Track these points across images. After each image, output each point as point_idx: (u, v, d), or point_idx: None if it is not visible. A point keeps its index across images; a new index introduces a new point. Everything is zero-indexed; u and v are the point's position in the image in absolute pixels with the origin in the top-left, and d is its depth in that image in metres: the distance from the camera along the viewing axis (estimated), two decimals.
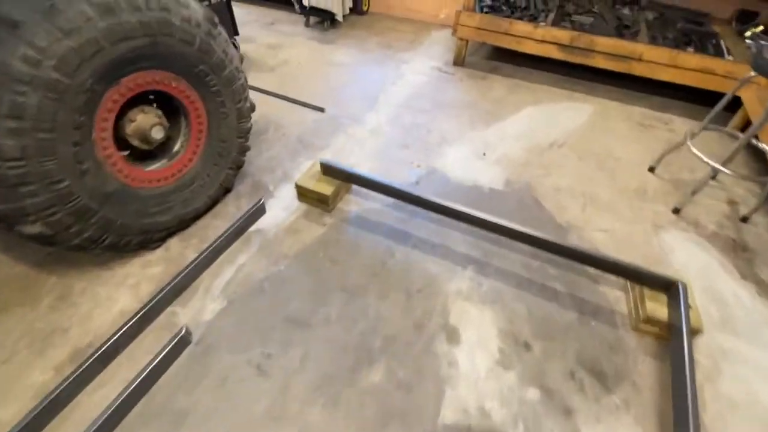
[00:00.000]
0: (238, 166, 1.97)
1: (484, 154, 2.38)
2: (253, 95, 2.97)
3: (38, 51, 1.09)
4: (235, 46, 2.74)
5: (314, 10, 3.69)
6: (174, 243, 1.78)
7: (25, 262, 1.68)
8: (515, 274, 1.72)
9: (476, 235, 1.86)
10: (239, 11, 4.24)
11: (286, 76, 3.08)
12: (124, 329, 1.41)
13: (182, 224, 1.79)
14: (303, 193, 1.96)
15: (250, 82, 2.91)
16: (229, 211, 1.94)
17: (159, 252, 1.75)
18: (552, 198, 2.12)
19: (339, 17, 3.71)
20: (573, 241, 1.89)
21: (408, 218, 1.94)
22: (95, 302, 1.56)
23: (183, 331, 1.40)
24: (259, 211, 1.90)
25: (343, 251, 1.78)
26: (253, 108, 1.96)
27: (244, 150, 1.96)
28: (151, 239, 1.68)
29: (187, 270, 1.61)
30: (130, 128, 1.51)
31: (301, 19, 3.92)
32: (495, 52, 3.53)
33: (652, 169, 2.34)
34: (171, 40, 1.41)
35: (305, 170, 2.01)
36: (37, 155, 1.17)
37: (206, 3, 2.89)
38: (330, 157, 2.30)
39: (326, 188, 1.89)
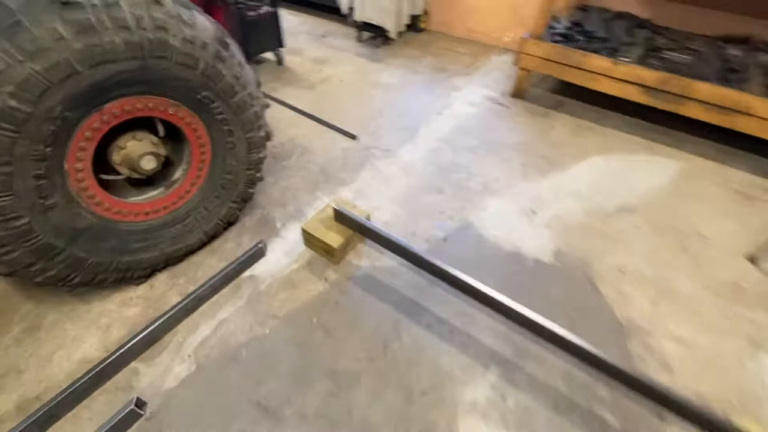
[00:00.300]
0: (245, 200, 1.77)
1: (533, 212, 1.98)
2: (285, 114, 2.84)
3: None
4: (251, 59, 2.57)
5: (367, 26, 3.48)
6: (160, 280, 1.60)
7: (6, 280, 1.58)
8: (553, 388, 1.33)
9: (509, 323, 1.49)
10: (293, 20, 4.16)
11: (325, 95, 2.87)
12: (75, 387, 1.23)
13: (170, 261, 1.60)
14: (309, 240, 1.70)
15: (286, 99, 2.74)
16: (228, 249, 1.74)
17: (142, 289, 1.57)
18: (613, 282, 1.69)
19: (392, 34, 3.47)
20: (636, 348, 1.46)
21: (426, 285, 1.61)
22: (60, 342, 1.40)
23: (134, 403, 1.19)
24: (257, 254, 1.68)
25: (341, 320, 1.49)
26: (269, 137, 1.74)
27: (253, 182, 1.75)
28: (131, 276, 1.51)
29: (162, 320, 1.41)
30: (117, 156, 1.34)
31: (354, 32, 3.73)
32: (562, 84, 3.09)
33: (753, 259, 1.82)
34: (166, 63, 1.22)
35: (317, 211, 1.76)
36: None
37: (254, 13, 2.78)
38: (352, 195, 2.03)
39: (335, 238, 1.62)
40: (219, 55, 1.35)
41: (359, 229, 1.63)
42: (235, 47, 1.45)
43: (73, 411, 1.24)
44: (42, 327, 1.45)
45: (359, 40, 3.69)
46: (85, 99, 1.10)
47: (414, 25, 3.83)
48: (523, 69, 2.76)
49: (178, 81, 1.28)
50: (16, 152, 1.02)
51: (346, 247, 1.68)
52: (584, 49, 2.52)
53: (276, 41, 3.08)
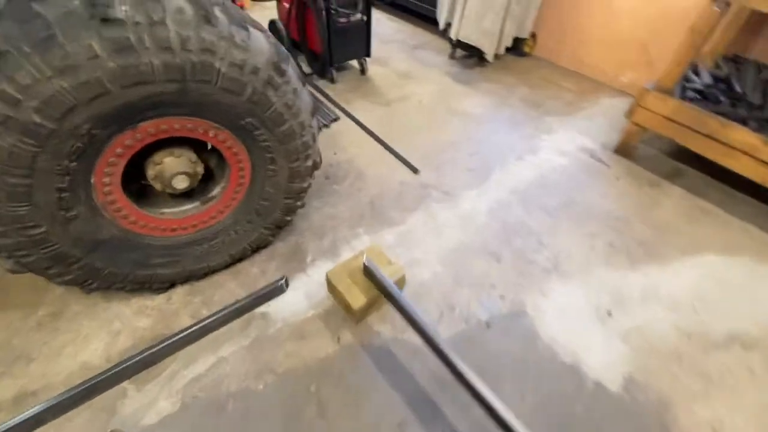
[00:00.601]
0: (279, 226, 1.65)
1: (609, 315, 1.59)
2: (352, 130, 2.61)
3: (18, 89, 0.87)
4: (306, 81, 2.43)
5: (462, 44, 3.20)
6: (179, 293, 1.55)
7: None
8: None
9: None
10: (390, 27, 4.02)
11: (399, 115, 2.68)
12: (67, 396, 1.20)
13: (191, 278, 1.55)
14: (332, 290, 1.53)
15: (358, 113, 2.61)
16: (251, 274, 1.64)
17: (160, 299, 1.53)
18: None
19: (489, 57, 3.14)
20: None
21: (450, 380, 1.34)
22: (73, 337, 1.41)
23: None
24: (276, 291, 1.54)
25: (341, 399, 1.30)
26: (316, 166, 1.60)
27: (291, 210, 1.62)
28: (150, 287, 1.47)
29: (165, 344, 1.34)
30: (151, 171, 1.28)
31: (449, 48, 3.47)
32: (683, 147, 2.53)
33: None
34: (209, 88, 1.11)
35: (350, 257, 1.57)
36: (6, 200, 0.99)
37: (344, 20, 2.67)
38: (395, 239, 1.82)
39: (357, 298, 1.42)
40: (271, 82, 1.21)
41: (385, 293, 1.41)
42: (293, 72, 1.31)
43: (58, 420, 1.22)
44: (63, 316, 1.48)
45: (452, 57, 3.42)
46: (116, 118, 1.03)
47: (517, 47, 3.45)
48: (636, 125, 2.28)
49: (220, 106, 1.18)
50: (38, 166, 0.98)
51: (369, 307, 1.48)
52: (725, 115, 1.98)
53: (362, 50, 2.95)
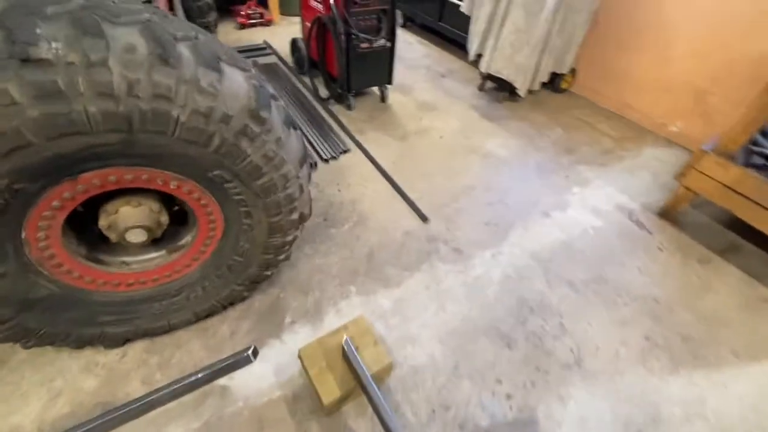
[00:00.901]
0: (256, 282, 1.45)
1: None
2: (362, 164, 2.34)
3: None
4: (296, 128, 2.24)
5: (493, 77, 2.95)
6: (135, 350, 1.36)
7: None
8: None
9: None
10: (418, 51, 3.83)
11: (414, 152, 2.45)
12: None
13: (148, 334, 1.36)
14: (305, 370, 1.30)
15: (370, 146, 2.40)
16: (219, 334, 1.43)
17: (113, 355, 1.35)
18: None
19: (521, 92, 2.88)
20: None
21: None
22: (11, 391, 1.24)
23: None
24: (242, 362, 1.33)
25: None
26: (304, 219, 1.38)
27: (270, 266, 1.42)
28: (99, 343, 1.29)
29: (102, 421, 1.15)
30: (104, 221, 1.10)
31: (478, 78, 3.23)
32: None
33: None
34: (164, 138, 0.92)
35: (330, 331, 1.34)
36: None
37: (366, 46, 2.50)
38: (391, 305, 1.57)
39: (331, 389, 1.18)
40: (246, 132, 1.02)
41: (361, 386, 1.17)
42: (277, 117, 1.11)
43: None
44: (7, 364, 1.30)
45: (480, 88, 3.18)
46: (46, 170, 0.86)
47: (554, 83, 3.17)
48: (687, 189, 1.96)
49: (180, 157, 0.99)
50: None
51: (345, 398, 1.24)
52: None
53: (384, 77, 2.76)
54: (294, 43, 3.10)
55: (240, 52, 3.38)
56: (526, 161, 2.48)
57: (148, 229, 1.13)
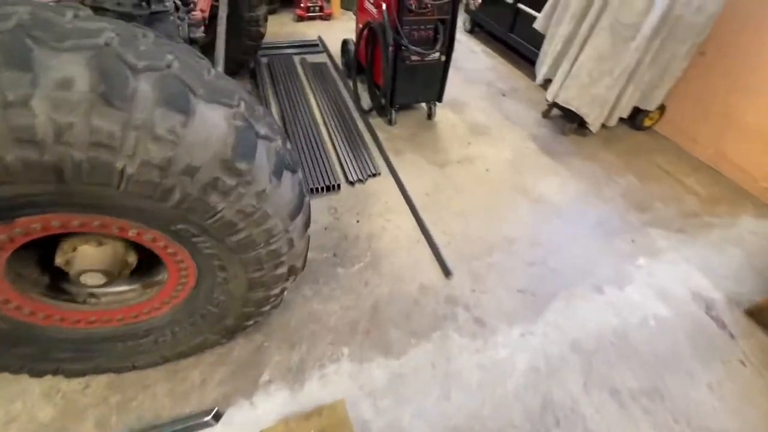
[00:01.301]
0: (234, 332, 1.28)
1: None
2: (389, 191, 2.05)
3: None
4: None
5: (559, 106, 2.55)
6: (98, 385, 1.25)
7: None
8: None
9: None
10: (482, 62, 3.47)
11: (453, 184, 2.16)
12: None
13: (110, 371, 1.24)
14: None
15: (403, 171, 2.16)
16: (190, 380, 1.28)
17: (76, 383, 1.25)
18: None
19: (593, 128, 2.46)
20: None
21: None
22: None
23: None
24: (201, 425, 1.18)
25: None
26: (294, 272, 1.18)
27: (250, 318, 1.24)
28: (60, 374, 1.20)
29: None
30: (60, 258, 0.97)
31: (545, 103, 2.83)
32: None
33: None
34: (109, 191, 0.75)
35: (304, 409, 1.14)
36: None
37: (417, 59, 2.23)
38: (385, 380, 1.34)
39: None
40: (216, 186, 0.82)
41: None
42: (264, 164, 0.90)
43: None
44: None
45: (545, 115, 2.78)
46: None
47: (635, 119, 2.69)
48: None
49: (133, 210, 0.82)
50: None
51: None
52: None
53: (433, 93, 2.48)
54: (345, 44, 2.90)
55: (291, 47, 3.25)
56: (585, 213, 2.10)
57: (107, 274, 0.99)
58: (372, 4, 2.30)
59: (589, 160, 2.46)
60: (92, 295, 1.13)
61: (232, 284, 1.08)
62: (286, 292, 1.25)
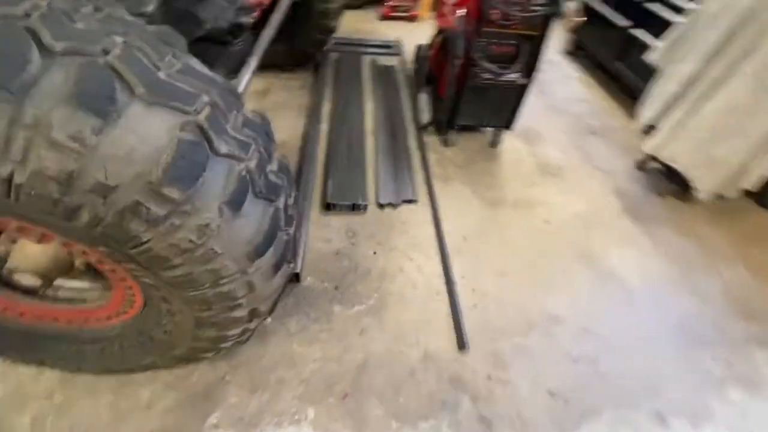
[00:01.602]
0: (186, 361, 1.11)
1: None
2: (420, 228, 1.75)
3: None
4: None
5: (660, 162, 2.03)
6: (51, 376, 1.16)
7: None
8: None
9: None
10: (575, 89, 2.99)
11: (500, 232, 1.80)
12: None
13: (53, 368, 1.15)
14: None
15: (448, 205, 1.89)
16: (136, 400, 1.14)
17: (29, 372, 1.17)
18: None
19: (701, 194, 1.92)
20: None
21: None
22: None
23: None
24: None
25: None
26: (257, 315, 0.98)
27: (208, 351, 1.06)
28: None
29: None
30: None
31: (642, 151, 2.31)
32: None
33: None
34: (6, 200, 0.59)
35: None
36: None
37: (489, 78, 1.92)
38: None
39: None
40: (137, 212, 0.63)
41: None
42: (214, 191, 0.69)
43: None
44: None
45: (640, 166, 2.27)
46: None
47: (764, 195, 2.07)
48: None
49: (45, 221, 0.66)
50: None
51: None
52: None
53: (502, 120, 2.12)
54: (418, 50, 2.65)
55: (365, 45, 3.08)
56: (665, 307, 1.62)
57: (44, 276, 0.86)
58: (450, 9, 2.02)
59: (686, 236, 1.93)
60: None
61: (178, 317, 0.91)
62: (251, 333, 1.06)
